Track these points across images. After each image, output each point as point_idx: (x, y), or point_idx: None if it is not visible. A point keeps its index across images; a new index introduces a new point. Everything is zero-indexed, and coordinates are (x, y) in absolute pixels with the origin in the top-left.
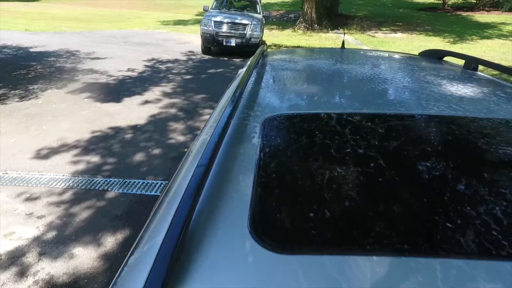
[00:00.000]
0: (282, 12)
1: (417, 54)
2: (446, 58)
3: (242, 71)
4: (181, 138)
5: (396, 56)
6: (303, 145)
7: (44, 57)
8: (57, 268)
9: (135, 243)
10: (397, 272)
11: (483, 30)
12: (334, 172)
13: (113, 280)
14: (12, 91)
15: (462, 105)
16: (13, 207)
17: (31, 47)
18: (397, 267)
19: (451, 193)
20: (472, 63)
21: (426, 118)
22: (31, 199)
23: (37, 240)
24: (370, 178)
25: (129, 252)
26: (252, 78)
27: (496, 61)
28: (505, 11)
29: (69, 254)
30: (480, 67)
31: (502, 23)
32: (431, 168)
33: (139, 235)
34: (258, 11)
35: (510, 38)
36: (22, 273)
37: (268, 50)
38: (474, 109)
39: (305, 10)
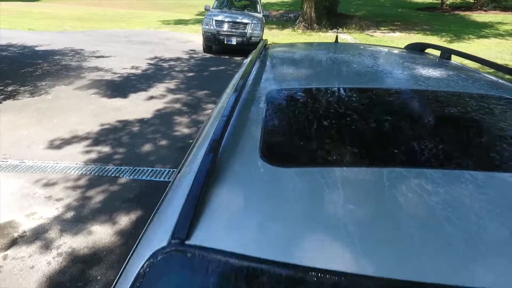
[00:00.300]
0: (281, 12)
1: (403, 47)
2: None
3: (247, 60)
4: (186, 130)
5: (382, 48)
6: (296, 105)
7: (50, 55)
8: (78, 242)
9: (181, 165)
10: (370, 181)
11: (480, 30)
12: (321, 118)
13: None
14: (22, 88)
15: (424, 82)
16: (33, 191)
17: (36, 46)
18: (368, 176)
19: (418, 122)
20: (446, 53)
21: (393, 90)
22: (48, 184)
23: (57, 219)
24: (349, 116)
25: (177, 173)
26: (257, 65)
27: (492, 60)
28: (490, 10)
29: (88, 231)
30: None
31: (499, 23)
32: (400, 109)
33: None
34: (258, 11)
35: (507, 37)
36: (46, 247)
37: (268, 44)
38: (431, 84)
39: (305, 9)
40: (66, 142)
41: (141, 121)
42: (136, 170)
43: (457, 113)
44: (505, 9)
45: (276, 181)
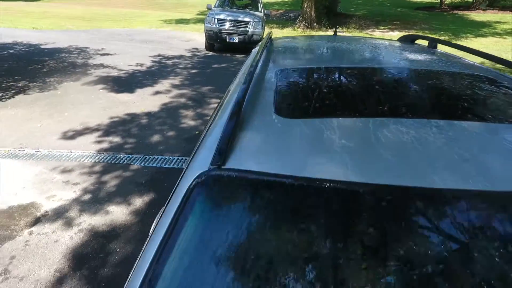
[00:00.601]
0: (282, 11)
1: (396, 39)
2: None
3: (256, 49)
4: (192, 123)
5: (375, 39)
6: (300, 77)
7: (56, 53)
8: (96, 220)
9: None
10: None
11: (478, 29)
12: (319, 86)
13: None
14: (31, 83)
15: (407, 61)
16: (51, 176)
17: (41, 44)
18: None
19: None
20: (432, 42)
21: (379, 69)
22: (65, 171)
23: (76, 201)
24: (341, 87)
25: (209, 124)
26: (265, 52)
27: None
28: (485, 9)
29: (105, 210)
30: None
31: (497, 22)
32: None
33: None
34: (260, 10)
35: (504, 36)
36: (68, 224)
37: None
38: (414, 63)
39: (305, 9)
40: (78, 133)
41: (149, 114)
42: (147, 158)
43: (429, 81)
44: (503, 8)
45: (286, 127)
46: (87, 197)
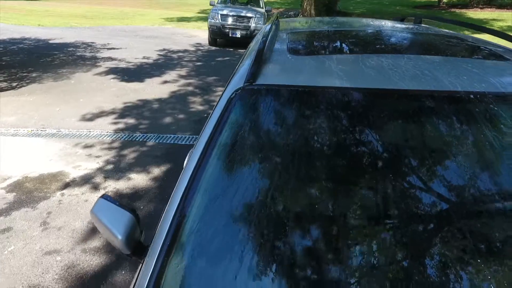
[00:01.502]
0: (282, 10)
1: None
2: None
3: (267, 26)
4: (200, 107)
5: (371, 19)
6: (306, 35)
7: (64, 47)
8: (120, 185)
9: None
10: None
11: None
12: (320, 39)
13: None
14: (45, 74)
15: (392, 30)
16: (74, 151)
17: (49, 39)
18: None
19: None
20: (417, 19)
21: (368, 29)
22: (86, 146)
23: (99, 170)
24: (336, 41)
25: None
26: (275, 26)
27: None
28: (476, 6)
29: (127, 177)
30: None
31: (494, 19)
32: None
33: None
34: (261, 6)
35: None
36: (95, 187)
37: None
38: (398, 32)
39: (305, 7)
40: (95, 115)
41: (159, 100)
42: (161, 136)
43: (410, 44)
44: (501, 6)
45: (297, 60)
46: (109, 167)
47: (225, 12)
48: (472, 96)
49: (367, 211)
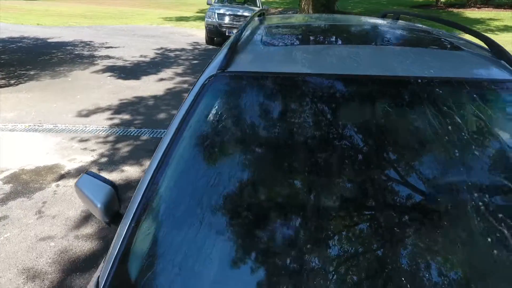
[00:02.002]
0: (280, 9)
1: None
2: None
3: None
4: None
5: (353, 15)
6: (280, 27)
7: (62, 46)
8: (113, 176)
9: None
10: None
11: (471, 25)
12: (293, 32)
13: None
14: (43, 72)
15: (368, 25)
16: (70, 145)
17: (48, 38)
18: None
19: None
20: (395, 15)
21: (345, 24)
22: (82, 140)
23: (94, 163)
24: (312, 35)
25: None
26: (256, 18)
27: None
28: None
29: (120, 169)
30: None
31: (491, 19)
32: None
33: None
34: (258, 5)
35: (496, 32)
36: None
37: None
38: (372, 25)
39: (302, 6)
40: (91, 112)
41: (154, 97)
42: (155, 131)
43: (376, 37)
44: (498, 6)
45: (269, 50)
46: (103, 160)
47: (222, 11)
48: (420, 80)
49: (326, 190)
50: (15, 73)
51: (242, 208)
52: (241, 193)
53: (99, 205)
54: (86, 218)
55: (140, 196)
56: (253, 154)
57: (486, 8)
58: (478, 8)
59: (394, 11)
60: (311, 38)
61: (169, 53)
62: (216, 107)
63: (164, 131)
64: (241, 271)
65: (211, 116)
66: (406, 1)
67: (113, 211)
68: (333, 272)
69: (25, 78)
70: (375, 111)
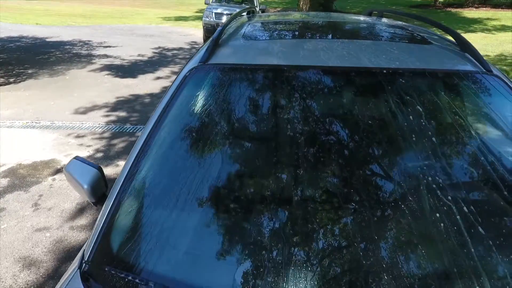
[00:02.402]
0: (279, 9)
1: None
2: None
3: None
4: None
5: (346, 14)
6: (261, 25)
7: (61, 45)
8: (108, 171)
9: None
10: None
11: (469, 25)
12: (274, 28)
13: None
14: (41, 70)
15: (351, 21)
16: (66, 141)
17: (46, 38)
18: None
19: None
20: (380, 13)
21: (327, 21)
22: (78, 136)
23: (89, 157)
24: (293, 31)
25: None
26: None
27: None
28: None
29: (115, 164)
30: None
31: (488, 19)
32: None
33: None
34: (255, 5)
35: (493, 32)
36: None
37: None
38: (354, 22)
39: (301, 6)
40: (88, 109)
41: (151, 95)
42: None
43: (352, 32)
44: (496, 6)
45: (249, 44)
46: (99, 155)
47: (219, 10)
48: (384, 71)
49: (297, 175)
50: (14, 72)
51: (216, 188)
52: (217, 175)
53: (85, 186)
54: (81, 210)
55: (123, 178)
56: (228, 140)
57: (484, 8)
58: (476, 7)
59: (379, 9)
60: (290, 33)
61: (167, 52)
62: (197, 97)
63: None
64: (214, 243)
65: (191, 105)
66: (405, 1)
67: (100, 193)
68: (304, 259)
69: (23, 77)
70: (342, 100)
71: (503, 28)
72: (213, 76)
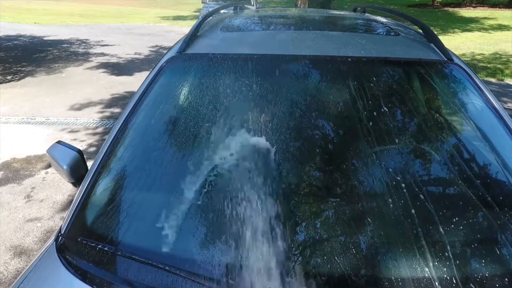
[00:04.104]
0: (277, 8)
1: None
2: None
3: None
4: None
5: (330, 10)
6: (240, 19)
7: (58, 44)
8: None
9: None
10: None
11: (466, 24)
12: (251, 21)
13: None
14: (38, 68)
15: (334, 15)
16: (60, 136)
17: (44, 36)
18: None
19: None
20: (362, 9)
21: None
22: (72, 131)
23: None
24: (272, 25)
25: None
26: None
27: (471, 50)
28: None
29: None
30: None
31: (485, 18)
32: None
33: None
34: (252, 4)
35: (490, 31)
36: None
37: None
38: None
39: (299, 5)
40: (83, 105)
41: None
42: None
43: (327, 25)
44: (493, 5)
45: (227, 35)
46: (92, 149)
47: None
48: (349, 59)
49: (272, 159)
50: (11, 70)
51: (186, 169)
52: (187, 158)
53: (64, 167)
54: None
55: (100, 159)
56: (199, 126)
57: (482, 7)
58: (474, 7)
59: (362, 5)
60: (267, 26)
61: (164, 51)
62: (173, 85)
63: None
64: (179, 217)
65: (167, 93)
66: (403, 1)
67: (79, 174)
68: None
69: (20, 74)
70: (310, 87)
71: (500, 28)
72: (190, 66)
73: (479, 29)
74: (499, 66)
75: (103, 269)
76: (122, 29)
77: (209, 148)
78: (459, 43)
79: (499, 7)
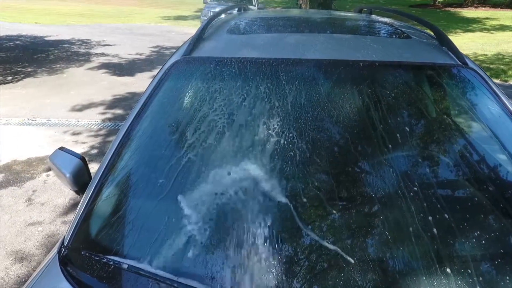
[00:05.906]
0: (279, 8)
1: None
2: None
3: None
4: None
5: (336, 11)
6: (247, 20)
7: (59, 44)
8: None
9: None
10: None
11: (468, 24)
12: (256, 23)
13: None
14: (39, 69)
15: (339, 16)
16: (62, 137)
17: (45, 36)
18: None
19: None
20: (369, 10)
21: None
22: (74, 133)
23: (84, 154)
24: (280, 27)
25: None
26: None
27: (474, 51)
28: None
29: None
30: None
31: (487, 18)
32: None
33: None
34: (254, 4)
35: (492, 31)
36: None
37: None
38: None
39: (300, 5)
40: (85, 107)
41: None
42: None
43: (336, 27)
44: (495, 6)
45: (232, 38)
46: (94, 151)
47: (217, 9)
48: (361, 64)
49: (280, 167)
50: (12, 70)
51: (194, 178)
52: (195, 166)
53: (67, 175)
54: (74, 205)
55: (104, 167)
56: (206, 131)
57: (483, 8)
58: (475, 7)
59: (368, 6)
60: (274, 28)
61: (165, 51)
62: (179, 89)
63: None
64: (188, 230)
65: (173, 97)
66: (405, 1)
67: (82, 182)
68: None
69: (21, 75)
70: (320, 92)
71: (502, 28)
72: (195, 69)
73: (481, 30)
74: (502, 67)
75: (107, 283)
76: (123, 29)
77: (219, 156)
78: (461, 43)
79: (501, 8)
